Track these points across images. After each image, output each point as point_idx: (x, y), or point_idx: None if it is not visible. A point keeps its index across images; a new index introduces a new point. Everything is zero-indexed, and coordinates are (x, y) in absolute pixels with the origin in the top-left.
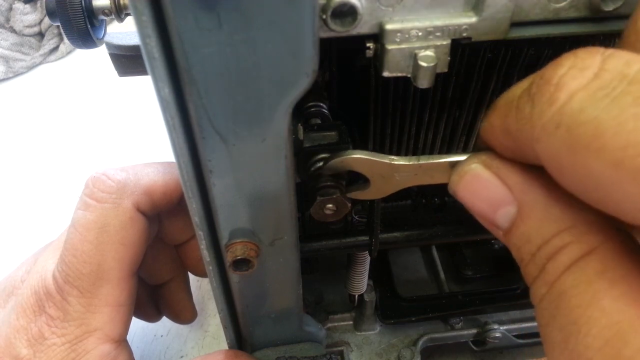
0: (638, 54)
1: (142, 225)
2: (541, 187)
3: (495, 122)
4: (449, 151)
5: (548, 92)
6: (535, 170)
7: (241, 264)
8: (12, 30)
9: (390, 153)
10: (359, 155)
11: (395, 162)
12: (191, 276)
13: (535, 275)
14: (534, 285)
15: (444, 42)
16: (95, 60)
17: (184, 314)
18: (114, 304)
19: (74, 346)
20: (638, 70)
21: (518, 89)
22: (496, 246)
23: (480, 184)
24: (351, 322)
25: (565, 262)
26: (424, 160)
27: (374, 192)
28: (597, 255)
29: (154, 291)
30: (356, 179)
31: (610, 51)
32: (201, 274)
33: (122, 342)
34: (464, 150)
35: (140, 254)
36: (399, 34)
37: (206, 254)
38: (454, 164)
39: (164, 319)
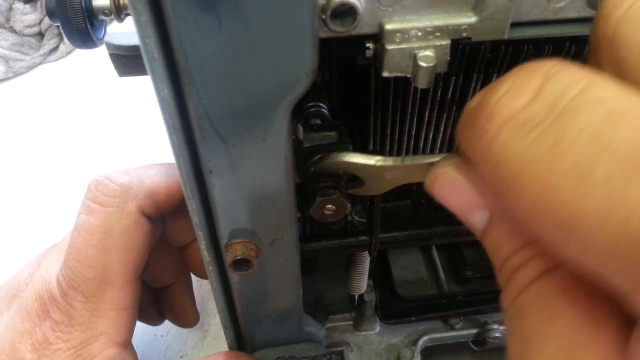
0: (589, 69)
1: (146, 229)
2: None
3: (458, 132)
4: (449, 151)
5: (482, 121)
6: None
7: (241, 264)
8: (12, 30)
9: (391, 153)
10: (344, 159)
11: (380, 164)
12: (192, 277)
13: (503, 285)
14: (502, 295)
15: (444, 42)
16: (95, 60)
17: (186, 317)
18: (118, 307)
19: (80, 351)
20: (573, 97)
21: (473, 101)
22: None
23: (453, 188)
24: (351, 322)
25: (527, 277)
26: (408, 162)
27: (369, 189)
28: (558, 273)
29: (157, 294)
30: (355, 176)
31: (557, 68)
32: (205, 275)
33: (127, 345)
34: None
35: (144, 257)
36: (398, 34)
37: (206, 254)
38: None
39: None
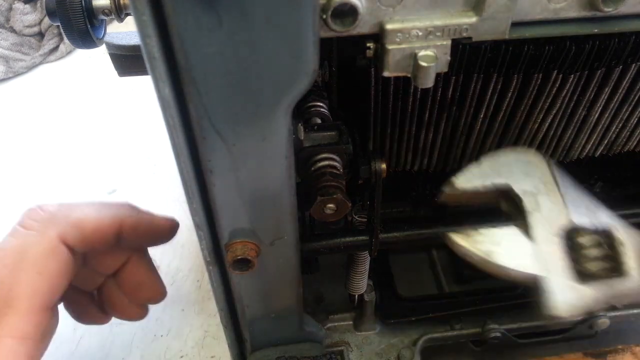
0: None
1: (64, 258)
2: None
3: None
4: (448, 151)
5: None
6: None
7: (241, 263)
8: (12, 30)
9: (390, 153)
10: None
11: None
12: (191, 276)
13: None
14: None
15: (445, 42)
16: (95, 60)
17: (152, 292)
18: (17, 336)
19: None
20: None
21: None
22: None
23: None
24: (351, 322)
25: None
26: None
27: None
28: None
29: (101, 291)
30: None
31: None
32: (143, 298)
33: None
34: (463, 151)
35: (59, 287)
36: (399, 34)
37: (206, 254)
38: None
39: (165, 319)
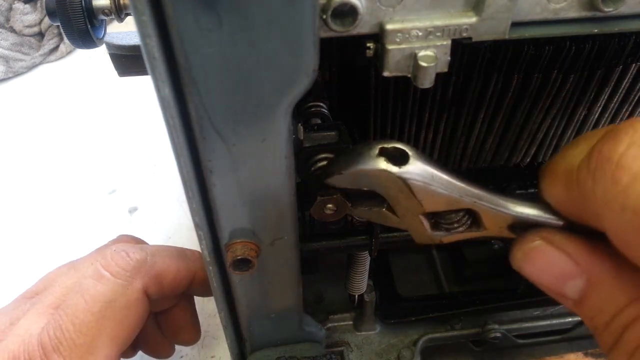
0: None
1: (144, 308)
2: (609, 257)
3: (557, 191)
4: (449, 151)
5: (609, 171)
6: (600, 240)
7: (241, 264)
8: (12, 30)
9: None
10: None
11: None
12: None
13: (611, 344)
14: (612, 354)
15: (444, 42)
16: (95, 60)
17: (189, 336)
18: None
19: None
20: None
21: (575, 157)
22: (496, 246)
23: (547, 260)
24: (351, 322)
25: None
26: None
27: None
28: None
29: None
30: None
31: None
32: (179, 340)
33: None
34: (463, 151)
35: (135, 334)
36: (399, 34)
37: (206, 254)
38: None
39: None
